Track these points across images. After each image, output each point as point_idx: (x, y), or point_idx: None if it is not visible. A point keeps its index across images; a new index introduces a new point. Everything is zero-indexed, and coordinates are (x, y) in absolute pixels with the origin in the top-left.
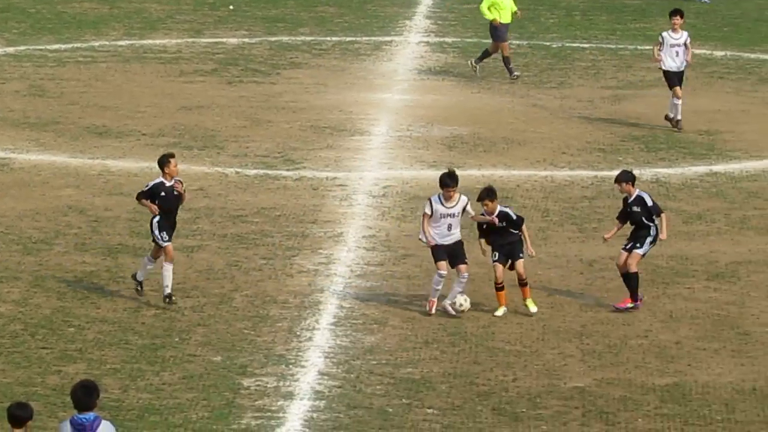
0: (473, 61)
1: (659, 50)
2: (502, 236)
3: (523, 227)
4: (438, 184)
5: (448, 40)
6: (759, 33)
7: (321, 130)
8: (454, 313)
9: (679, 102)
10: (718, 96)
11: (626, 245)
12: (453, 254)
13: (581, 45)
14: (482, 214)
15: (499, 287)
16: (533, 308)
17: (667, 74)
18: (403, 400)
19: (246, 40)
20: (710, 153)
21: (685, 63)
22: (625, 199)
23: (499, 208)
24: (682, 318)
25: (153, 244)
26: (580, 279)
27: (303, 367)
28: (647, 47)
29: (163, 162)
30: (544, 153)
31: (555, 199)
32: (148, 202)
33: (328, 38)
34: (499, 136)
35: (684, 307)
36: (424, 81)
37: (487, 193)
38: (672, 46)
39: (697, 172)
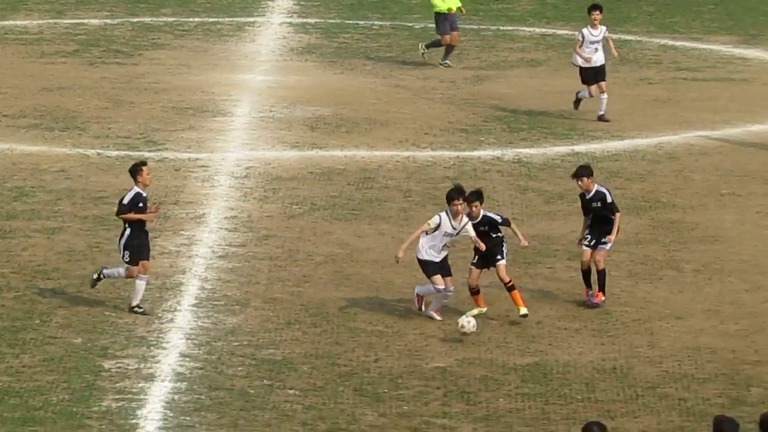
0: (422, 45)
1: (580, 47)
2: (482, 240)
3: (512, 225)
4: (445, 199)
5: (311, 20)
6: (621, 13)
7: (183, 111)
8: (437, 318)
9: (604, 97)
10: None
11: (589, 241)
12: (440, 268)
13: None
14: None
15: (473, 291)
16: (523, 311)
17: (585, 71)
18: (265, 381)
19: (108, 21)
20: (572, 133)
21: (605, 59)
22: (583, 195)
23: (482, 213)
24: (543, 298)
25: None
26: None
27: (164, 348)
28: (509, 28)
29: (136, 170)
30: (407, 133)
31: (417, 179)
32: (134, 215)
33: (191, 19)
34: (361, 117)
35: (545, 286)
36: (286, 62)
37: (477, 196)
38: (592, 42)
39: (558, 152)
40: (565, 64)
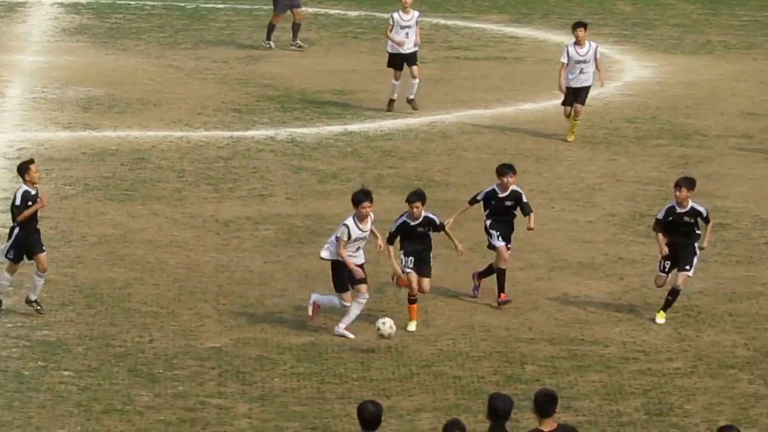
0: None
1: (390, 32)
2: (419, 242)
3: (447, 229)
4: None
5: (83, 1)
6: None
7: None
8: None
9: (416, 81)
10: (352, 56)
11: (508, 242)
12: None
13: (216, 6)
14: (404, 217)
15: (412, 300)
16: (413, 327)
17: (392, 57)
18: (39, 363)
19: None
20: (345, 112)
21: (415, 45)
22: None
23: (424, 214)
24: (317, 277)
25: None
26: (216, 239)
27: None
28: None
29: (24, 169)
30: (180, 113)
31: (191, 159)
32: (26, 211)
33: None
34: (134, 97)
35: (319, 266)
36: (58, 42)
37: (418, 197)
38: (402, 27)
39: (332, 132)
40: (338, 43)
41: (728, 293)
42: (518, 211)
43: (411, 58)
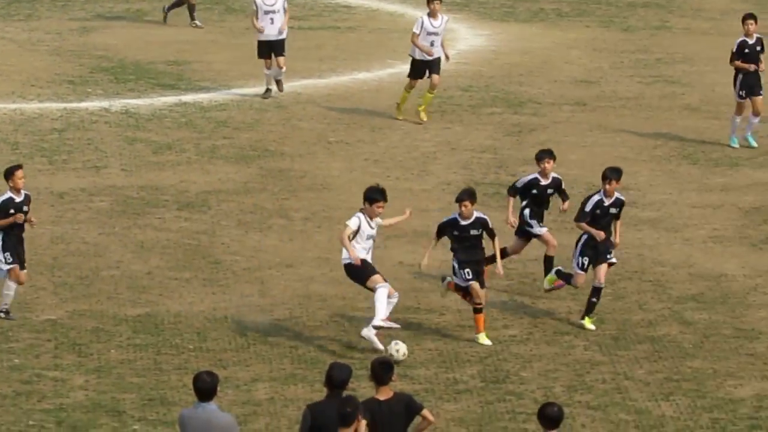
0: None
1: (255, 18)
2: (474, 251)
3: (496, 241)
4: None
5: None
6: None
7: None
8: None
9: (270, 71)
10: (186, 27)
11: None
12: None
13: None
14: (454, 219)
15: (477, 309)
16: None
17: (261, 44)
18: None
19: None
20: (179, 83)
21: (280, 32)
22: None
23: (475, 214)
24: (153, 248)
25: None
26: (50, 211)
27: None
28: None
29: (10, 174)
30: (13, 86)
31: (24, 131)
32: (2, 221)
33: None
34: None
35: (155, 237)
36: None
37: (468, 195)
38: (266, 13)
39: (166, 103)
40: (171, 14)
41: (563, 260)
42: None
43: (277, 47)
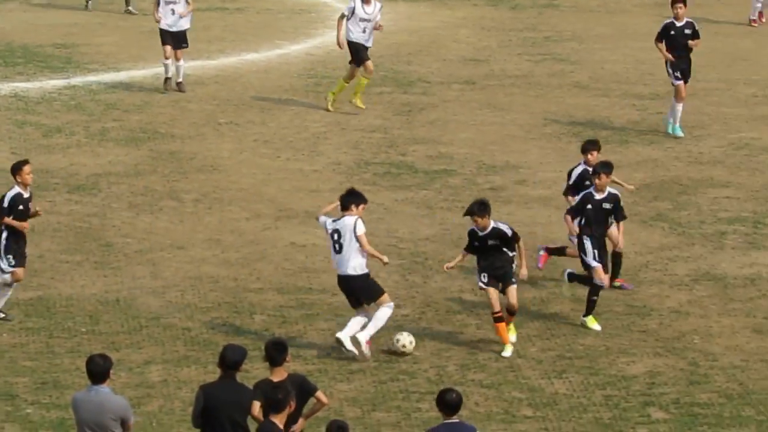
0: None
1: (156, 7)
2: (494, 258)
3: (520, 243)
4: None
5: None
6: None
7: None
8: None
9: (168, 62)
10: (74, 9)
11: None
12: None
13: None
14: (473, 230)
15: (497, 317)
16: (513, 337)
17: (163, 33)
18: None
19: None
20: (68, 66)
21: (181, 19)
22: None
23: (492, 224)
24: (44, 231)
25: None
26: None
27: None
28: None
29: (17, 169)
30: None
31: None
32: (13, 221)
33: None
34: None
35: (46, 220)
36: None
37: (476, 208)
38: (168, 3)
39: (55, 86)
40: None
41: (455, 239)
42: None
43: (177, 39)
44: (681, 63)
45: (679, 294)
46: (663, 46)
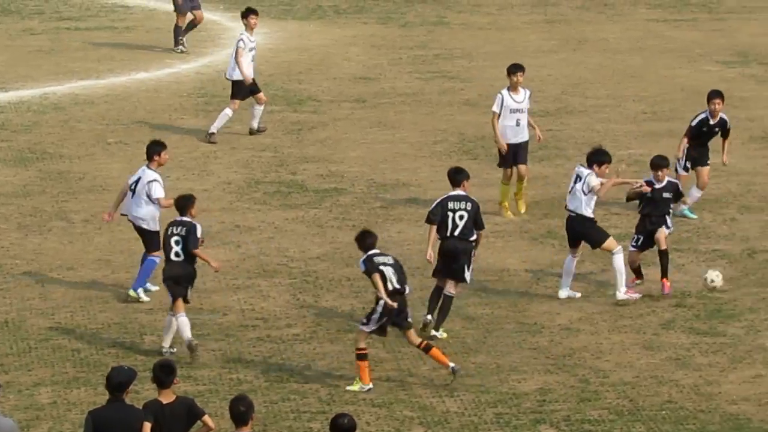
0: None
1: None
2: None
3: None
4: None
5: None
6: None
7: None
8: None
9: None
10: None
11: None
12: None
13: None
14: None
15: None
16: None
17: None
18: None
19: None
20: None
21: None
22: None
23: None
24: None
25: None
26: None
27: None
28: None
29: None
30: None
31: None
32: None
33: None
34: None
35: None
36: None
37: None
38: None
39: None
40: None
41: (345, 258)
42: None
43: None
44: (697, 150)
45: (570, 311)
46: (685, 141)
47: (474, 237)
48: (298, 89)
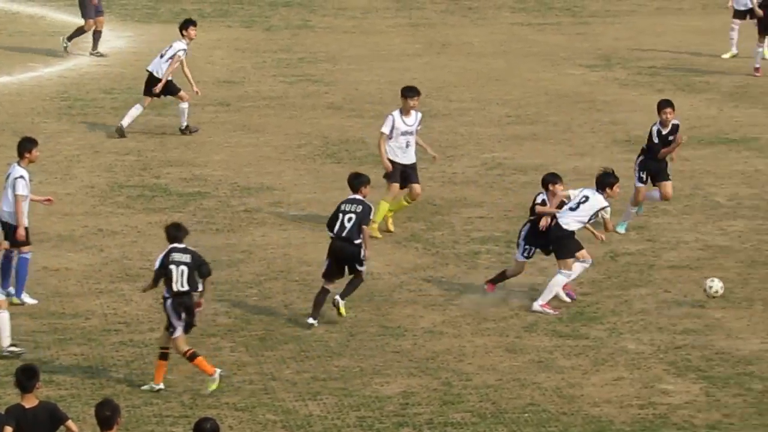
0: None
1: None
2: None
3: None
4: None
5: None
6: None
7: None
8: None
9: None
10: None
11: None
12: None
13: None
14: None
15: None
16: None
17: None
18: None
19: None
20: None
21: None
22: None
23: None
24: None
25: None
26: None
27: None
28: None
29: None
30: None
31: None
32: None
33: None
34: None
35: None
36: None
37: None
38: None
39: None
40: None
41: (209, 261)
42: None
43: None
44: (655, 163)
45: (433, 314)
46: (664, 150)
47: (359, 240)
48: None
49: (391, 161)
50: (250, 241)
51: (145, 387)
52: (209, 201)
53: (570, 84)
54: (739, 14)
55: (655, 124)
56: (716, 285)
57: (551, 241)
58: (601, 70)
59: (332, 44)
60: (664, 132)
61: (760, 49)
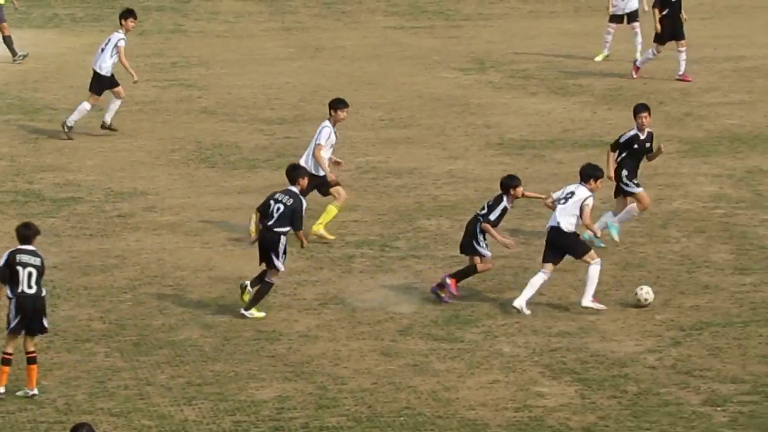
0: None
1: None
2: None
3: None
4: None
5: None
6: None
7: None
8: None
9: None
10: None
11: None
12: None
13: None
14: None
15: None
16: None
17: None
18: None
19: None
20: None
21: None
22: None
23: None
24: None
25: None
26: None
27: None
28: None
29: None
30: None
31: None
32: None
33: None
34: None
35: None
36: None
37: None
38: None
39: None
40: None
41: (83, 267)
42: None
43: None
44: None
45: (308, 318)
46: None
47: (285, 229)
48: (34, 98)
49: (313, 175)
50: (124, 246)
51: (19, 393)
52: (83, 206)
53: (443, 87)
54: (616, 18)
55: (631, 130)
56: (644, 293)
57: (562, 248)
58: (475, 74)
59: (205, 49)
60: (642, 137)
61: (651, 55)
